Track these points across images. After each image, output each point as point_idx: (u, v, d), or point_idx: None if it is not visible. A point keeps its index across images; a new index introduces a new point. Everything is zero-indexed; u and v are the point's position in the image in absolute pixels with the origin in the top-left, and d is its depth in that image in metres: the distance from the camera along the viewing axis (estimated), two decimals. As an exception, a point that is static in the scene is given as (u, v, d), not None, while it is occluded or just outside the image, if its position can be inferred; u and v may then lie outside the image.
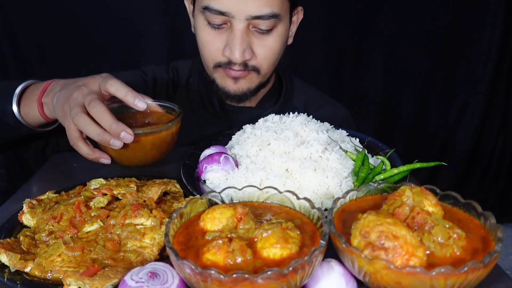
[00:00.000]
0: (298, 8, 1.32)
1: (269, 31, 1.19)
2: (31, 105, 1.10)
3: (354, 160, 1.03)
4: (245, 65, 1.21)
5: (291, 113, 1.14)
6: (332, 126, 1.17)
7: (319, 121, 1.14)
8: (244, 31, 1.16)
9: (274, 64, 1.29)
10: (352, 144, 1.11)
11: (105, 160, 1.04)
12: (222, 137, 1.21)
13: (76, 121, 0.96)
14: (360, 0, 2.66)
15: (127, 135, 0.96)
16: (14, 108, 1.10)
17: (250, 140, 1.07)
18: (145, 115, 1.16)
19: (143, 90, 1.39)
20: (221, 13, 1.14)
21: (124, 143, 0.98)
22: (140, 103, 1.00)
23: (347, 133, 1.17)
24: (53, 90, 1.07)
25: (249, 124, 1.16)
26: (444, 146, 3.08)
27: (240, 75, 1.23)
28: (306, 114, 1.14)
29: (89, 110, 0.95)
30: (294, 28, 1.34)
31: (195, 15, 1.26)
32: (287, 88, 1.47)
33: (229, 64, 1.21)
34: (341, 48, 2.76)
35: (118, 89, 1.01)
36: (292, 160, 0.98)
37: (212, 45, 1.21)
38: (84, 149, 1.02)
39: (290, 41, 1.35)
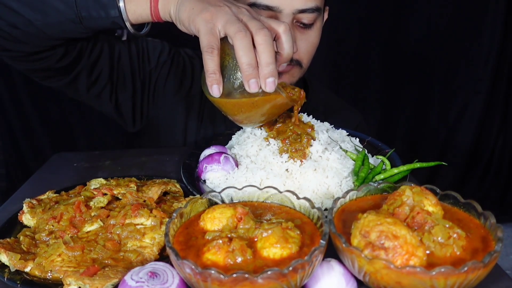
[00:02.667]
0: (326, 7, 1.34)
1: (310, 25, 1.21)
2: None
3: (354, 160, 1.03)
4: (290, 60, 1.22)
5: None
6: (332, 125, 1.17)
7: (325, 122, 1.15)
8: (290, 25, 1.17)
9: (312, 57, 1.30)
10: (352, 144, 1.11)
11: (216, 89, 0.86)
12: (222, 137, 1.21)
13: (239, 36, 0.80)
14: (361, 1, 2.66)
15: (272, 83, 0.82)
16: (121, 3, 0.95)
17: (250, 140, 1.07)
18: None
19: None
20: (269, 8, 1.15)
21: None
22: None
23: (347, 133, 1.17)
24: None
25: None
26: (444, 146, 3.08)
27: (284, 69, 1.24)
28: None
29: (257, 33, 0.81)
30: (321, 26, 1.36)
31: None
32: (312, 90, 1.49)
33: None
34: (341, 48, 2.76)
35: (287, 36, 0.89)
36: (292, 160, 0.98)
37: None
38: (214, 63, 0.84)
39: None
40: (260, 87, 0.83)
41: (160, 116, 1.41)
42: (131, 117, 1.39)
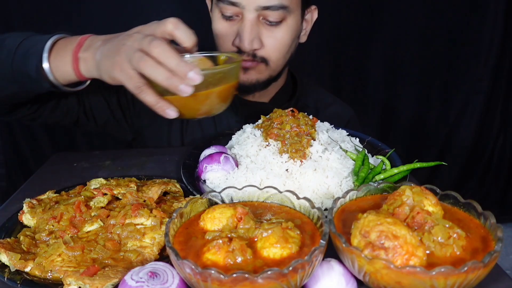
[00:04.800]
0: (311, 7, 1.34)
1: (278, 23, 1.22)
2: (65, 59, 0.98)
3: (354, 160, 1.03)
4: (253, 56, 1.24)
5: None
6: (332, 126, 1.17)
7: (325, 122, 1.15)
8: (254, 22, 1.19)
9: (284, 57, 1.31)
10: (352, 144, 1.11)
11: (172, 111, 0.88)
12: (222, 137, 1.21)
13: (142, 66, 0.83)
14: (361, 1, 2.66)
15: (195, 75, 0.82)
16: (45, 64, 0.97)
17: (250, 140, 1.07)
18: None
19: None
20: (233, 4, 1.18)
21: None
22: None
23: (347, 133, 1.17)
24: (93, 45, 0.96)
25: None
26: (444, 145, 3.08)
27: (249, 65, 1.26)
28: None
29: (151, 51, 0.83)
30: (308, 27, 1.37)
31: (212, 10, 1.29)
32: (300, 86, 1.50)
33: (239, 54, 1.23)
34: (341, 48, 2.76)
35: (181, 29, 0.88)
36: (292, 160, 0.98)
37: (225, 35, 1.25)
38: (151, 97, 0.87)
39: (303, 39, 1.38)
40: (191, 86, 0.84)
41: (145, 124, 1.44)
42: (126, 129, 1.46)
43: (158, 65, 0.82)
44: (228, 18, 1.22)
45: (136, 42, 0.86)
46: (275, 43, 1.24)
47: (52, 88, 1.02)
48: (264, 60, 1.26)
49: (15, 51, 0.99)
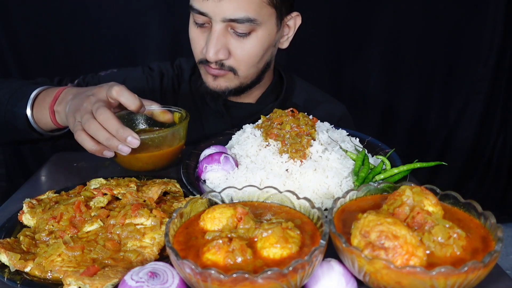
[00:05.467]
0: (292, 14, 1.32)
1: (247, 34, 1.22)
2: (43, 112, 1.14)
3: (354, 160, 1.03)
4: (221, 65, 1.25)
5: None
6: (332, 126, 1.17)
7: (325, 122, 1.15)
8: (221, 32, 1.20)
9: (256, 66, 1.30)
10: (352, 144, 1.11)
11: (108, 152, 1.03)
12: (222, 137, 1.21)
13: (87, 127, 0.98)
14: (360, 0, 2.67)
15: (133, 139, 0.97)
16: (28, 112, 1.14)
17: (250, 140, 1.07)
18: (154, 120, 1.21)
19: (150, 85, 1.45)
20: (201, 13, 1.19)
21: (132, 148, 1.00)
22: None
23: (347, 133, 1.17)
24: (65, 99, 1.10)
25: (249, 119, 1.18)
26: (444, 146, 3.08)
27: (217, 73, 1.28)
28: (306, 110, 1.15)
29: (97, 116, 0.98)
30: (290, 32, 1.36)
31: (190, 15, 1.32)
32: (288, 86, 1.50)
33: (207, 62, 1.26)
34: (341, 48, 2.75)
35: (124, 96, 1.03)
36: (292, 160, 0.98)
37: (196, 42, 1.27)
38: (89, 142, 1.02)
39: (285, 45, 1.37)
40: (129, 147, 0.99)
41: None
42: None
43: (101, 128, 0.97)
44: (200, 25, 1.24)
45: (89, 105, 1.01)
46: (243, 54, 1.24)
47: (39, 136, 1.19)
48: (232, 69, 1.26)
49: (6, 107, 1.16)
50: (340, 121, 1.49)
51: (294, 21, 1.34)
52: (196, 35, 1.26)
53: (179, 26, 2.35)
